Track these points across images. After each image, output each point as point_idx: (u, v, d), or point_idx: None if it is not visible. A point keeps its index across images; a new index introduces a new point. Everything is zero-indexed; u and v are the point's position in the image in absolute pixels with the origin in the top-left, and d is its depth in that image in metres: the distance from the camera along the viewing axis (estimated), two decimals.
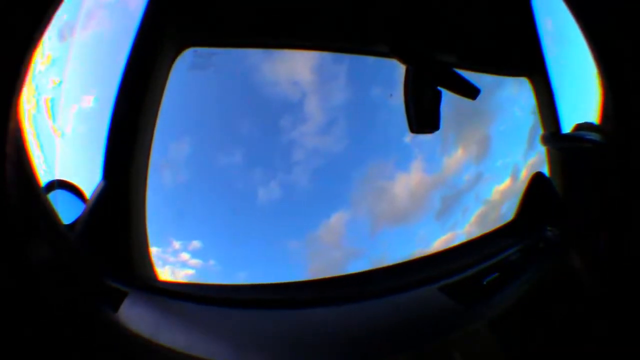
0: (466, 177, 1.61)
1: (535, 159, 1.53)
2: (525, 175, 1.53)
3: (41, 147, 1.22)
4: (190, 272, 1.30)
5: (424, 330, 0.97)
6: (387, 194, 1.58)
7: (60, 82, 1.28)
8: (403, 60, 1.26)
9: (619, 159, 0.95)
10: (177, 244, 1.32)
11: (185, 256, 1.31)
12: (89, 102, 1.30)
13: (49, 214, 0.84)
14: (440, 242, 1.40)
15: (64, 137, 1.29)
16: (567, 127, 1.40)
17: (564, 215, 1.28)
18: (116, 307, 0.90)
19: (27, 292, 0.73)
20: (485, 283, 1.10)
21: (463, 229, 1.42)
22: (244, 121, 1.44)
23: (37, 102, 1.25)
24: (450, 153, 1.61)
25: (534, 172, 1.45)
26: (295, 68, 1.43)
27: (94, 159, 1.17)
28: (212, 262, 1.35)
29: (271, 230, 1.47)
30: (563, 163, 1.40)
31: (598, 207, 1.06)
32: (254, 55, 1.38)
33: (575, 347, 0.98)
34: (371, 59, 1.47)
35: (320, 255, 1.46)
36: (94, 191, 1.12)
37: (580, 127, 1.24)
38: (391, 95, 1.39)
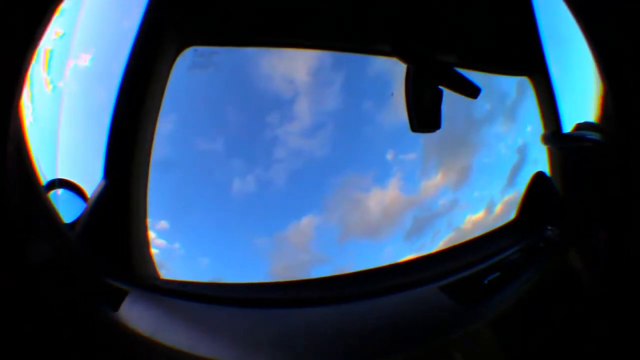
0: (441, 202, 1.63)
1: (512, 196, 1.55)
2: (500, 209, 1.55)
3: (32, 98, 1.21)
4: (154, 251, 1.30)
5: (424, 330, 0.97)
6: (360, 206, 1.60)
7: (64, 35, 1.27)
8: (404, 59, 1.26)
9: (619, 159, 0.94)
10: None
11: (151, 234, 1.30)
12: (85, 60, 1.30)
13: (50, 213, 0.84)
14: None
15: (55, 92, 1.28)
16: (567, 126, 1.40)
17: (564, 215, 1.27)
18: (116, 306, 0.90)
19: (27, 292, 0.73)
20: (485, 282, 1.10)
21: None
22: (233, 110, 1.44)
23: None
24: (429, 176, 1.64)
25: (535, 171, 1.45)
26: (293, 67, 1.44)
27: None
28: (176, 245, 1.35)
29: (240, 223, 1.48)
30: (563, 163, 1.40)
31: (598, 207, 1.06)
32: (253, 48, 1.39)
33: (575, 347, 0.98)
34: (370, 71, 1.48)
35: (286, 255, 1.47)
36: (95, 190, 1.12)
37: (580, 126, 1.24)
38: (392, 94, 1.39)
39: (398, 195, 1.60)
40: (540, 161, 1.48)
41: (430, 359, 0.94)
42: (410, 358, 0.92)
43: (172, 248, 1.35)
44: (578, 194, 1.28)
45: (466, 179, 1.66)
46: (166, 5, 1.19)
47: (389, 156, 1.57)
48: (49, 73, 1.27)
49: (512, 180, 1.61)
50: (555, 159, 1.43)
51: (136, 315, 0.92)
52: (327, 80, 1.48)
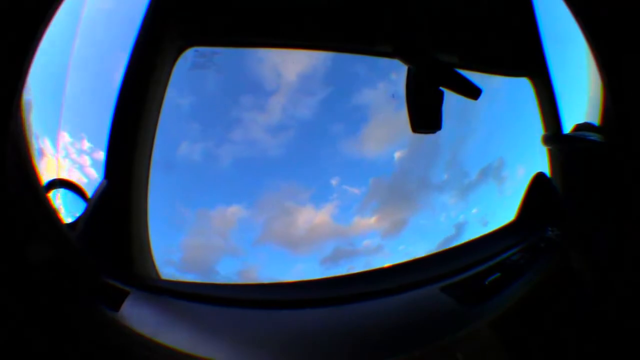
0: (366, 243, 1.64)
1: None
2: None
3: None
4: (79, 175, 1.26)
5: (426, 330, 0.97)
6: (289, 216, 1.60)
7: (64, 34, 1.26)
8: (405, 60, 1.26)
9: (619, 159, 0.94)
10: (86, 144, 1.28)
11: (86, 160, 1.27)
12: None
13: (50, 213, 0.84)
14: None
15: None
16: (567, 127, 1.40)
17: (564, 216, 1.28)
18: (117, 307, 0.90)
19: (27, 292, 0.73)
20: (486, 283, 1.10)
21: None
22: (211, 75, 1.43)
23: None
24: (364, 215, 1.65)
25: (535, 172, 1.45)
26: (287, 63, 1.43)
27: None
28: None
29: (171, 185, 1.47)
30: (563, 163, 1.40)
31: (598, 207, 1.06)
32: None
33: (576, 347, 0.98)
34: (355, 99, 1.49)
35: (202, 234, 1.46)
36: (96, 191, 1.12)
37: (580, 127, 1.24)
38: (393, 95, 1.40)
39: (328, 221, 1.62)
40: None
41: (432, 358, 0.94)
42: (412, 358, 0.92)
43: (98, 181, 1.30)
44: (578, 194, 1.28)
45: (398, 231, 1.68)
46: (167, 7, 1.19)
47: (334, 182, 1.59)
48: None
49: (439, 249, 1.60)
50: (555, 160, 1.43)
51: (137, 315, 0.91)
52: (312, 89, 1.49)
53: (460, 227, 1.69)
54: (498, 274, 1.13)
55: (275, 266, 1.51)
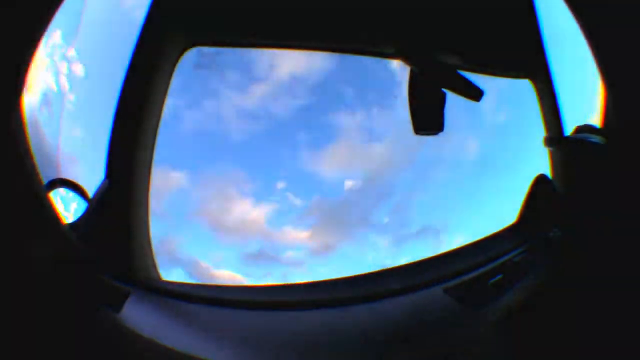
0: (290, 253, 1.63)
1: None
2: None
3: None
4: (50, 82, 1.23)
5: (428, 332, 0.97)
6: (226, 202, 1.59)
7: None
8: (408, 61, 1.26)
9: (620, 160, 0.94)
10: (72, 51, 1.27)
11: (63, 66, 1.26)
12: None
13: (50, 213, 0.84)
14: (228, 275, 1.40)
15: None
16: (569, 128, 1.40)
17: (566, 217, 1.27)
18: (118, 307, 0.90)
19: (27, 292, 0.73)
20: (489, 284, 1.10)
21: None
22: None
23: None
24: (298, 226, 1.64)
25: (537, 174, 1.45)
26: (283, 60, 1.43)
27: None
28: (71, 96, 1.29)
29: None
30: (565, 165, 1.40)
31: (599, 208, 1.06)
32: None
33: (578, 348, 0.98)
34: (333, 119, 1.49)
35: None
36: (97, 190, 1.13)
37: (581, 129, 1.24)
38: (396, 96, 1.40)
39: (261, 220, 1.62)
40: None
41: None
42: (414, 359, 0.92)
43: (67, 100, 1.29)
44: (579, 196, 1.28)
45: (323, 254, 1.67)
46: (169, 6, 1.20)
47: (279, 185, 1.59)
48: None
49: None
50: (557, 161, 1.43)
51: (138, 316, 0.91)
52: (297, 93, 1.49)
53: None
54: (501, 275, 1.13)
55: (196, 245, 1.50)
